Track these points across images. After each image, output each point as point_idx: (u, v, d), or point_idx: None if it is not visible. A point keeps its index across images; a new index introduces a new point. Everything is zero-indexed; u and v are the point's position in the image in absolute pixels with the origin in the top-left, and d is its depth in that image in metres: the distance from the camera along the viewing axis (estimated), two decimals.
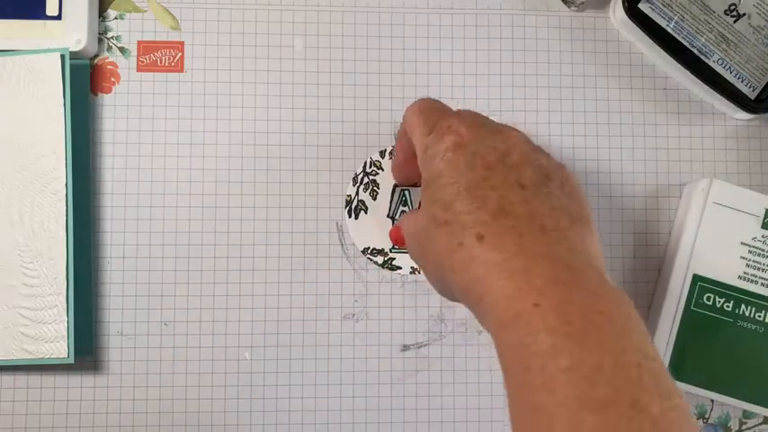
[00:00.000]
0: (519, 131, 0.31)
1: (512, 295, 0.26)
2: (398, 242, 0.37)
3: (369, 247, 0.41)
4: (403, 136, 0.35)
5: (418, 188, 0.38)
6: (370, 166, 0.42)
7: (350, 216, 0.41)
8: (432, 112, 0.33)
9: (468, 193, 0.29)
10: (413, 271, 0.41)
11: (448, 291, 0.31)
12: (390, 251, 0.41)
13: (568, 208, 0.29)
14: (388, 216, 0.41)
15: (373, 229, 0.41)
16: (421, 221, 0.31)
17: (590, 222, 0.29)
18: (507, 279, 0.26)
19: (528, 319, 0.25)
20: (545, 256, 0.27)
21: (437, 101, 0.35)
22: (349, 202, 0.41)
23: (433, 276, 0.32)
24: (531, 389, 0.25)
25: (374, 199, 0.42)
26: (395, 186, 0.42)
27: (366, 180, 0.42)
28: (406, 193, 0.42)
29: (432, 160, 0.31)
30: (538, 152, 0.30)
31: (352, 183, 0.42)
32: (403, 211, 0.41)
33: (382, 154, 0.42)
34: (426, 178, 0.31)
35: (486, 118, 0.32)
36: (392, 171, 0.40)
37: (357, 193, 0.42)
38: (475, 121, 0.31)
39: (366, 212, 0.41)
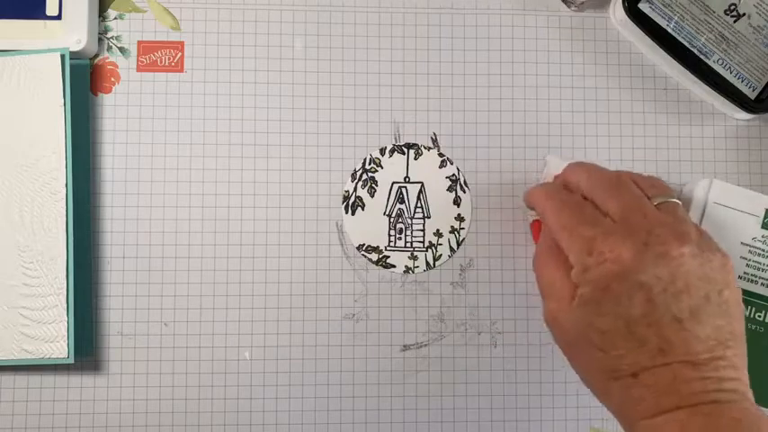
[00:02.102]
0: (687, 243, 0.31)
1: (659, 426, 0.29)
2: (534, 237, 0.39)
3: (364, 244, 0.41)
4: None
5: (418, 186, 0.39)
6: (370, 163, 0.42)
7: (347, 212, 0.41)
8: (581, 214, 0.33)
9: (626, 330, 0.30)
10: (407, 270, 0.41)
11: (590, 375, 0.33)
12: (385, 249, 0.41)
13: (721, 328, 0.30)
14: (384, 214, 0.41)
15: (369, 225, 0.41)
16: (578, 318, 0.31)
17: (743, 338, 0.32)
18: (657, 416, 0.29)
19: None
20: (695, 395, 0.29)
21: (565, 191, 0.36)
22: (346, 198, 0.41)
23: (574, 361, 0.34)
24: None
25: (372, 196, 0.42)
26: (393, 184, 0.42)
27: (365, 177, 0.42)
28: (404, 191, 0.42)
29: (590, 284, 0.31)
30: (704, 264, 0.31)
31: (350, 179, 0.42)
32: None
33: (382, 151, 0.42)
34: (584, 296, 0.31)
35: (646, 216, 0.31)
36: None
37: (355, 190, 0.42)
38: (636, 238, 0.30)
39: (363, 209, 0.41)
